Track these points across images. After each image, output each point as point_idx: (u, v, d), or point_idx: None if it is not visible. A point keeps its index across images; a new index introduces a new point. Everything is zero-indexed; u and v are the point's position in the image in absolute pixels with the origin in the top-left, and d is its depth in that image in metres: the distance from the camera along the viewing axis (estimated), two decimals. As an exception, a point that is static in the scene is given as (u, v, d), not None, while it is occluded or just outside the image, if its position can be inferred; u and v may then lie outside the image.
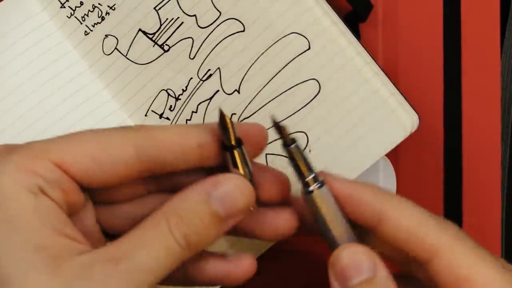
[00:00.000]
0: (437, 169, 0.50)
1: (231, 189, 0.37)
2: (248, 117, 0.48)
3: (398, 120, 0.46)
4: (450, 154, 0.50)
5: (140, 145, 0.36)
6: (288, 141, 0.38)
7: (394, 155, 0.50)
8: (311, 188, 0.38)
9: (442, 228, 0.38)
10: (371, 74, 0.46)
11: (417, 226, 0.38)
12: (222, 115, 0.37)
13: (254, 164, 0.39)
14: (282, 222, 0.39)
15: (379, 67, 0.47)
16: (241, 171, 0.38)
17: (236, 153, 0.37)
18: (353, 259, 0.37)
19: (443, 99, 0.50)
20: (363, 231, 0.40)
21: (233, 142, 0.37)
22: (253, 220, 0.39)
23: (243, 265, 0.39)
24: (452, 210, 0.50)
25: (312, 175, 0.38)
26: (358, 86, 0.46)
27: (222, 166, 0.38)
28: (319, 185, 0.38)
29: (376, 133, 0.46)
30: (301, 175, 0.38)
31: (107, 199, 0.39)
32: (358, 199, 0.38)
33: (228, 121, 0.37)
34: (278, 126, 0.38)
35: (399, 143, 0.47)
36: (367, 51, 0.47)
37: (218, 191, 0.36)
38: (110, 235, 0.40)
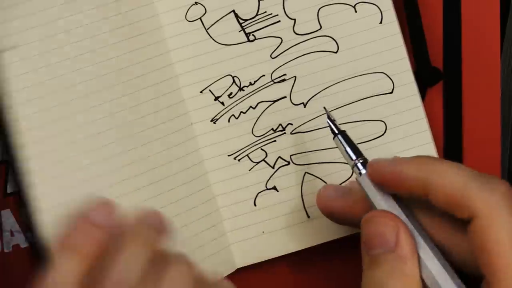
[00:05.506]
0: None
1: None
2: (304, 132, 0.47)
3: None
4: (450, 154, 0.50)
5: None
6: (337, 130, 0.43)
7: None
8: (361, 171, 0.42)
9: (487, 189, 0.38)
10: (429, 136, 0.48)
11: (461, 189, 0.38)
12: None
13: None
14: None
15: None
16: None
17: None
18: (378, 230, 0.39)
19: (443, 99, 0.50)
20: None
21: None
22: None
23: None
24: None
25: (361, 160, 0.42)
26: (420, 143, 0.47)
27: None
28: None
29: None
30: (350, 160, 0.42)
31: None
32: (403, 175, 0.39)
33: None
34: (330, 118, 0.43)
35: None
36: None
37: None
38: None
